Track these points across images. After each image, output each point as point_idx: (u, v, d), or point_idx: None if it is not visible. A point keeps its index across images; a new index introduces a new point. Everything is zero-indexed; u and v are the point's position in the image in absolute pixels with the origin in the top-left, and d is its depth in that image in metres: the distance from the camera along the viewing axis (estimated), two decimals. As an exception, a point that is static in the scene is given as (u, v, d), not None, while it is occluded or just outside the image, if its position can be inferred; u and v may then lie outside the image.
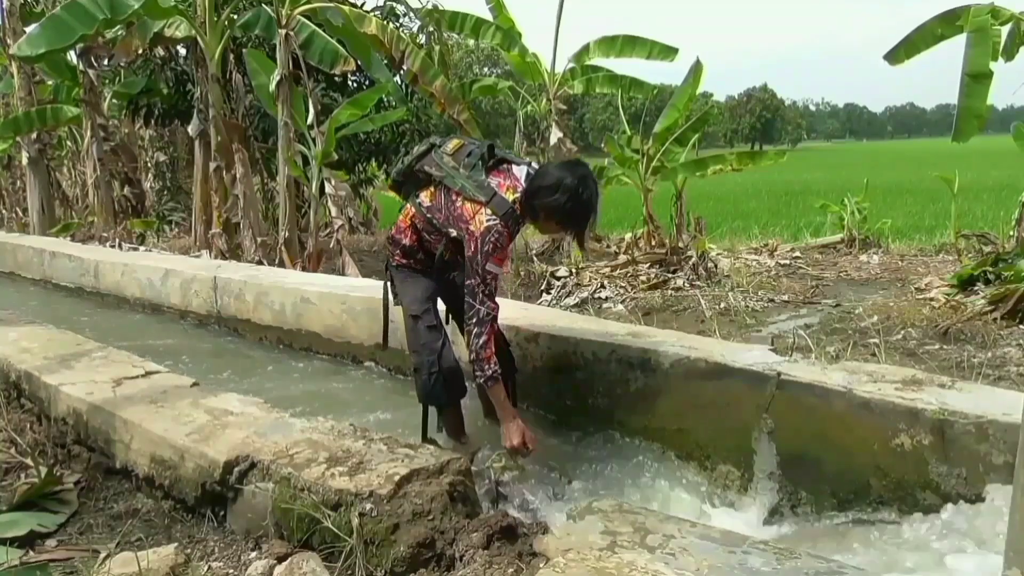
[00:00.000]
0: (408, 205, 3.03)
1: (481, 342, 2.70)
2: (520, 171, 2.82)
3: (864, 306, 4.88)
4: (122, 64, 9.86)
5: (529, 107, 9.22)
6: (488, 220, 2.69)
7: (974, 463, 2.21)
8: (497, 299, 2.78)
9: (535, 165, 2.86)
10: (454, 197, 2.79)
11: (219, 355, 4.71)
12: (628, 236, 7.63)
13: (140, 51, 8.35)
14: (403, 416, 3.37)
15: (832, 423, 2.48)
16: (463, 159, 2.82)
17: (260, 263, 6.92)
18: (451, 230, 2.81)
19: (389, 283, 3.16)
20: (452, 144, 2.89)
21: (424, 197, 2.93)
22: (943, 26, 5.87)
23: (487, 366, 2.72)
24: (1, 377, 3.19)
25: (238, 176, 7.55)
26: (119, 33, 8.05)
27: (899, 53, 6.14)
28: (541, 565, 1.58)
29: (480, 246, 2.68)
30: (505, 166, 2.85)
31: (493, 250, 2.68)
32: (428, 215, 2.90)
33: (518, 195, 2.74)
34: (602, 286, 5.88)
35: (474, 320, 2.70)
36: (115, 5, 6.44)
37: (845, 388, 2.47)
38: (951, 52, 6.08)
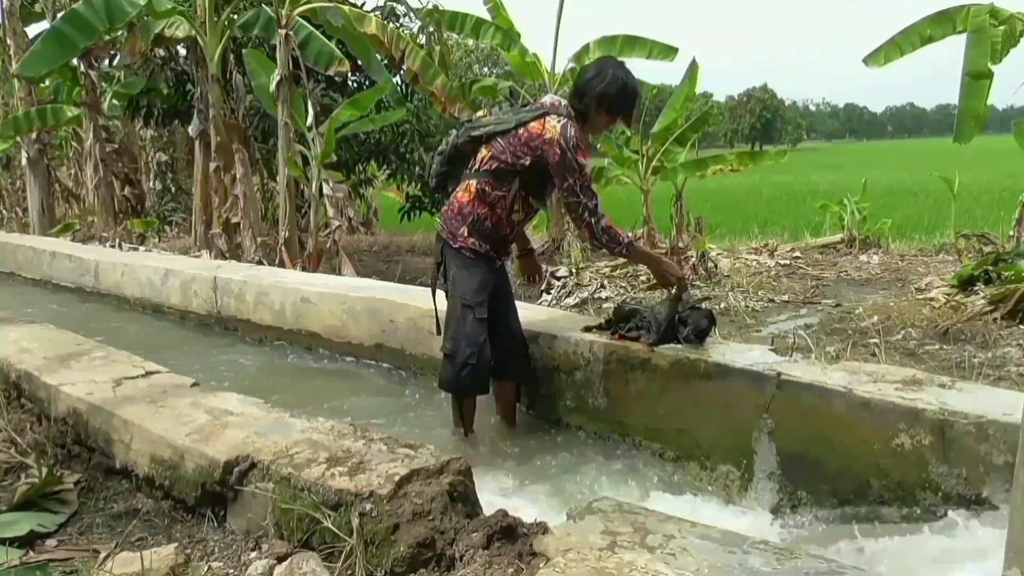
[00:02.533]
0: (464, 183, 3.04)
1: (604, 223, 2.91)
2: (548, 96, 3.13)
3: (864, 306, 4.89)
4: (124, 65, 9.88)
5: (529, 107, 9.20)
6: (559, 122, 2.86)
7: (974, 463, 2.21)
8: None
9: (553, 95, 3.14)
10: (513, 132, 2.93)
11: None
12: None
13: (144, 52, 8.35)
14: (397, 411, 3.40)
15: (832, 423, 2.48)
16: (498, 112, 3.05)
17: (260, 263, 6.92)
18: (525, 159, 2.91)
19: (440, 267, 3.14)
20: (480, 113, 3.15)
21: (480, 160, 3.01)
22: (932, 28, 5.86)
23: (620, 237, 2.96)
24: (1, 377, 3.19)
25: (238, 176, 7.55)
26: (120, 33, 8.06)
27: (879, 56, 6.12)
28: (541, 565, 1.58)
29: (565, 144, 2.83)
30: (535, 103, 3.10)
31: (576, 144, 2.85)
32: (494, 166, 2.96)
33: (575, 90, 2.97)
34: (602, 286, 5.89)
35: (585, 213, 2.89)
36: (113, 13, 6.44)
37: (845, 388, 2.47)
38: (951, 52, 6.09)
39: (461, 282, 3.00)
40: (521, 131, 2.90)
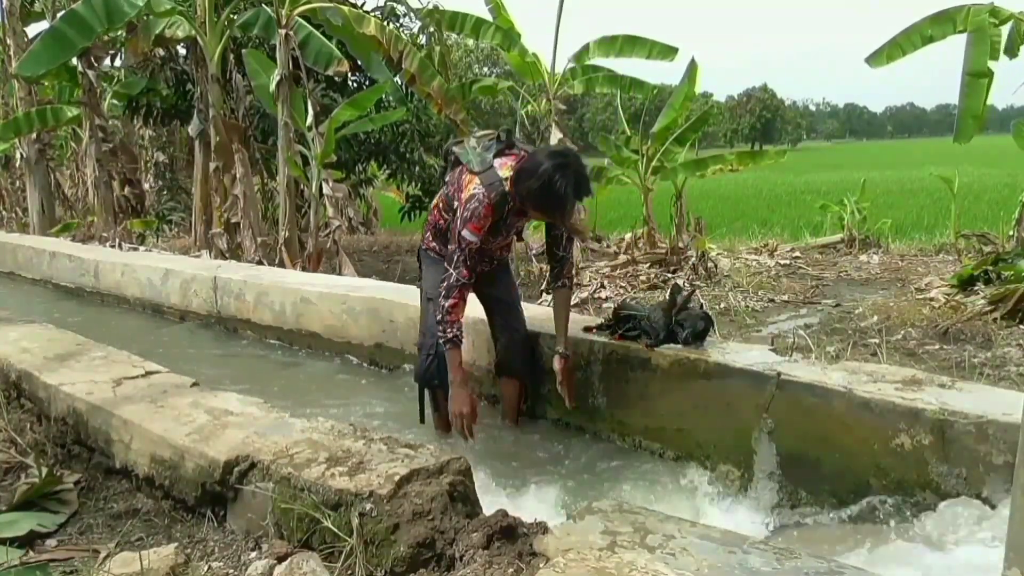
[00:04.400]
0: (440, 192, 3.18)
1: (447, 304, 2.82)
2: (507, 158, 2.94)
3: (864, 306, 4.89)
4: (127, 65, 9.88)
5: (529, 107, 9.22)
6: (474, 189, 2.82)
7: (974, 463, 2.21)
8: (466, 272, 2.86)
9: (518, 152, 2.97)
10: (463, 171, 2.95)
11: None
12: (628, 236, 7.64)
13: (146, 52, 8.36)
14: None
15: (832, 423, 2.48)
16: (484, 141, 2.98)
17: (260, 263, 6.92)
18: (454, 201, 2.95)
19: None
20: (482, 132, 3.08)
21: (448, 177, 3.09)
22: (933, 27, 5.86)
23: (448, 329, 2.83)
24: (1, 377, 3.19)
25: (238, 176, 7.55)
26: (120, 33, 8.06)
27: (881, 56, 6.13)
28: (541, 565, 1.58)
29: (461, 212, 2.82)
30: (518, 150, 2.94)
31: (471, 217, 2.80)
32: (447, 192, 3.05)
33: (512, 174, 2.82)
34: (602, 286, 5.89)
35: (444, 284, 2.84)
36: (112, 13, 6.44)
37: (845, 388, 2.47)
38: (951, 52, 6.09)
39: (426, 278, 3.17)
40: (464, 175, 2.93)
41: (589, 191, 2.77)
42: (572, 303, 5.56)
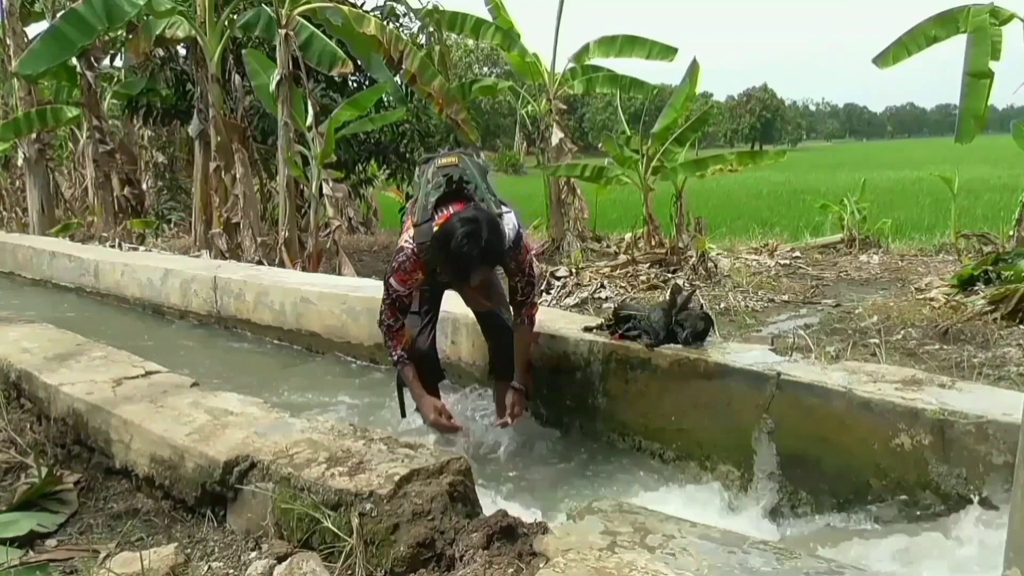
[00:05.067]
0: None
1: (388, 341, 2.97)
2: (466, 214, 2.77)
3: (864, 306, 4.89)
4: (128, 65, 9.88)
5: (529, 107, 9.22)
6: (405, 241, 2.85)
7: (974, 463, 2.21)
8: (408, 314, 2.98)
9: (504, 209, 2.87)
10: (414, 207, 2.94)
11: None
12: (628, 236, 7.63)
13: (147, 52, 8.36)
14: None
15: (832, 423, 2.48)
16: (439, 176, 2.86)
17: (260, 263, 6.92)
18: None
19: None
20: (446, 160, 2.95)
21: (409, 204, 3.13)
22: (937, 28, 5.87)
23: (393, 352, 2.97)
24: (1, 377, 3.19)
25: (238, 176, 7.56)
26: (120, 33, 8.06)
27: (888, 56, 6.14)
28: (541, 565, 1.58)
29: (393, 258, 2.88)
30: (466, 197, 2.81)
31: (397, 268, 2.84)
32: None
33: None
34: (602, 286, 5.88)
35: (381, 325, 2.97)
36: (112, 12, 6.44)
37: (845, 388, 2.47)
38: (952, 52, 6.09)
39: None
40: (409, 216, 2.95)
41: (498, 258, 2.74)
42: (572, 303, 5.60)
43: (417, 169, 3.10)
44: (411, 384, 3.03)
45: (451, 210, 2.76)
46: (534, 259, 3.12)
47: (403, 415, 3.26)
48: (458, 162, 2.91)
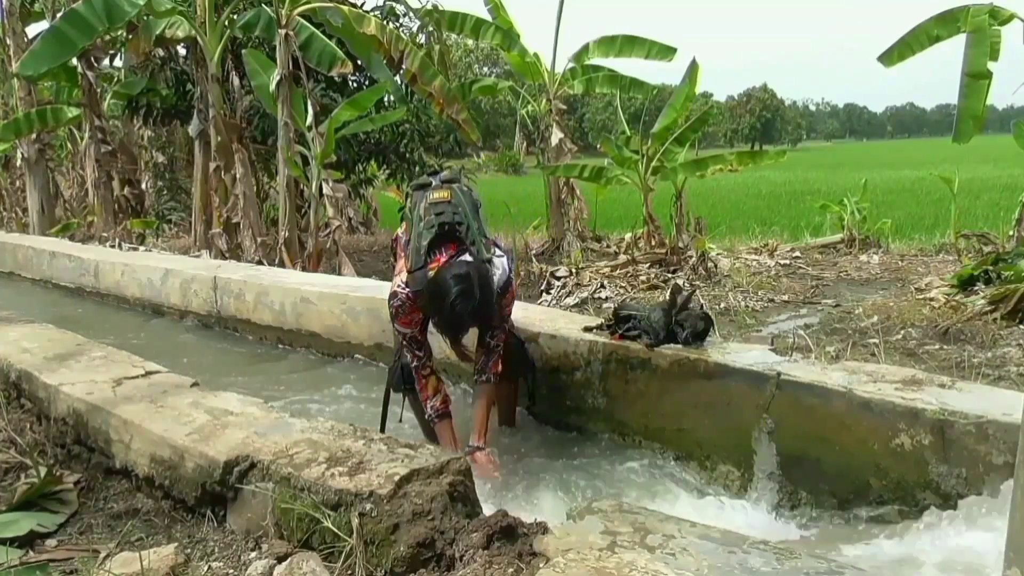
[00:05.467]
0: None
1: (420, 392, 2.96)
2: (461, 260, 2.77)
3: (864, 306, 4.88)
4: (128, 66, 9.88)
5: (529, 107, 9.22)
6: (398, 285, 2.85)
7: (974, 463, 2.21)
8: (421, 348, 2.93)
9: (497, 252, 2.88)
10: (407, 243, 2.94)
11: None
12: (628, 236, 7.63)
13: (147, 52, 8.37)
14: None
15: (832, 423, 2.48)
16: (431, 215, 2.80)
17: (260, 263, 6.92)
18: (399, 260, 3.01)
19: None
20: (438, 195, 2.86)
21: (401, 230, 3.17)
22: (939, 27, 5.87)
23: (427, 407, 2.95)
24: (1, 377, 3.19)
25: (238, 176, 7.56)
26: (120, 33, 8.06)
27: (893, 55, 6.15)
28: (541, 565, 1.58)
29: (390, 305, 2.89)
30: (463, 248, 2.78)
31: (396, 314, 2.87)
32: (402, 233, 3.12)
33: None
34: (602, 286, 5.88)
35: (411, 369, 2.97)
36: (112, 12, 6.45)
37: (845, 388, 2.47)
38: (951, 52, 6.09)
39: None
40: (402, 254, 2.99)
41: (489, 318, 2.79)
42: (572, 303, 5.61)
43: (409, 199, 3.06)
44: (446, 444, 2.89)
45: (444, 255, 2.73)
46: (513, 303, 3.10)
47: (382, 430, 3.09)
48: (451, 198, 2.83)
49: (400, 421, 3.20)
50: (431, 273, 2.69)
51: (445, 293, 2.59)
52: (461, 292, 2.58)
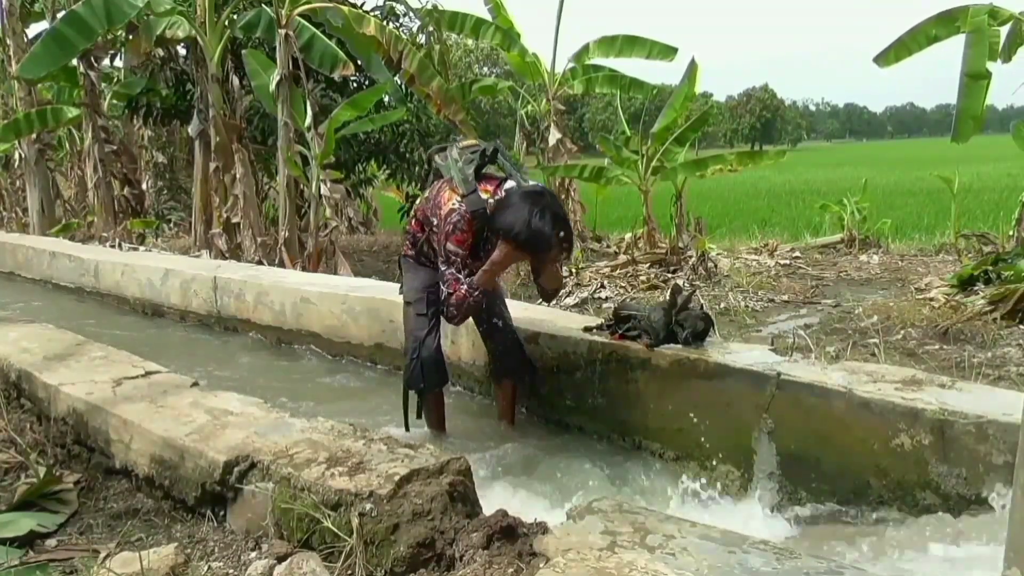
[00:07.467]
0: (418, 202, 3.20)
1: (450, 315, 2.94)
2: (509, 182, 2.90)
3: (864, 306, 4.89)
4: (129, 66, 9.88)
5: (529, 107, 9.23)
6: (454, 203, 2.83)
7: (974, 463, 2.21)
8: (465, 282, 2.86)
9: (530, 183, 2.91)
10: (443, 185, 2.95)
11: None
12: (628, 236, 7.63)
13: (148, 52, 8.37)
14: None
15: (832, 423, 2.48)
16: (467, 154, 2.95)
17: (260, 263, 6.92)
18: (432, 217, 2.96)
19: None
20: (466, 141, 3.05)
21: (428, 189, 3.10)
22: (937, 27, 5.87)
23: (470, 292, 2.84)
24: (1, 377, 3.19)
25: (238, 176, 7.55)
26: (120, 33, 8.06)
27: (889, 55, 6.15)
28: (541, 565, 1.58)
29: (444, 226, 2.83)
30: (498, 170, 2.96)
31: (453, 230, 2.82)
32: (424, 204, 3.07)
33: (494, 199, 2.83)
34: (602, 286, 5.89)
35: (444, 304, 2.92)
36: (112, 13, 6.45)
37: (845, 388, 2.47)
38: (951, 52, 6.09)
39: (405, 283, 3.23)
40: (444, 189, 2.92)
41: (568, 228, 2.80)
42: (572, 303, 5.61)
43: (437, 157, 3.08)
44: (490, 270, 2.84)
45: (488, 185, 2.88)
46: None
47: (407, 429, 3.16)
48: (479, 142, 3.03)
49: (419, 417, 3.22)
50: (485, 195, 2.82)
51: (535, 208, 2.67)
52: (541, 207, 2.68)
